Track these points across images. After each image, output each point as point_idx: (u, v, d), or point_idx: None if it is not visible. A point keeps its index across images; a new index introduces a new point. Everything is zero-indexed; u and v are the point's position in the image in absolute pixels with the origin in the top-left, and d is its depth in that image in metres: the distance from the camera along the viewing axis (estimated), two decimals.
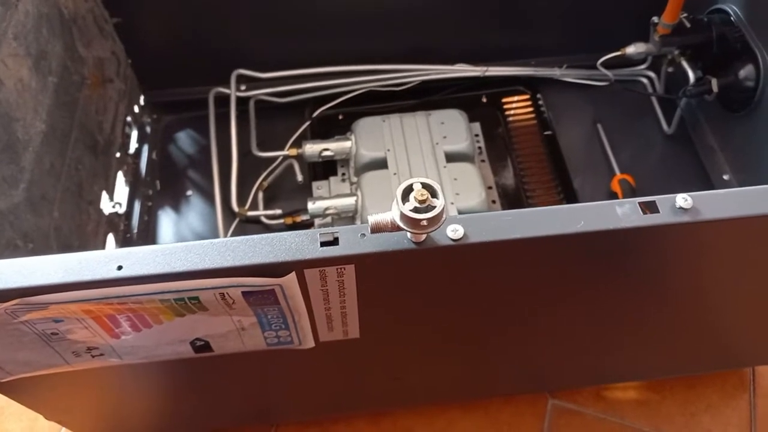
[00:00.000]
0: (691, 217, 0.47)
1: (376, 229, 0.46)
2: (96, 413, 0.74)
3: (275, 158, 1.03)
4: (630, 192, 0.99)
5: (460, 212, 0.89)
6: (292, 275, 0.47)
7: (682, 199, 0.48)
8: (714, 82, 0.94)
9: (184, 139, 1.11)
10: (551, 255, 0.52)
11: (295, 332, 0.55)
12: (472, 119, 1.04)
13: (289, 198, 1.02)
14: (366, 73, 1.07)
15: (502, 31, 1.09)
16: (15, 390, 0.61)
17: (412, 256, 0.47)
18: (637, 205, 0.48)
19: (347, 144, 0.98)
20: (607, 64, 1.04)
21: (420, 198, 0.43)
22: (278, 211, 1.00)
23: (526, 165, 1.05)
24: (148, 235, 1.00)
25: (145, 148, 1.06)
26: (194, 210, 1.03)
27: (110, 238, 0.91)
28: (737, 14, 0.91)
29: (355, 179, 0.97)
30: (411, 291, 0.55)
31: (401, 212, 0.44)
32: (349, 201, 0.93)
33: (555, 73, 1.11)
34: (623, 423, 0.84)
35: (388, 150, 0.96)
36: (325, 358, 0.63)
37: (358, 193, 0.93)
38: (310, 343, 0.58)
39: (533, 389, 0.86)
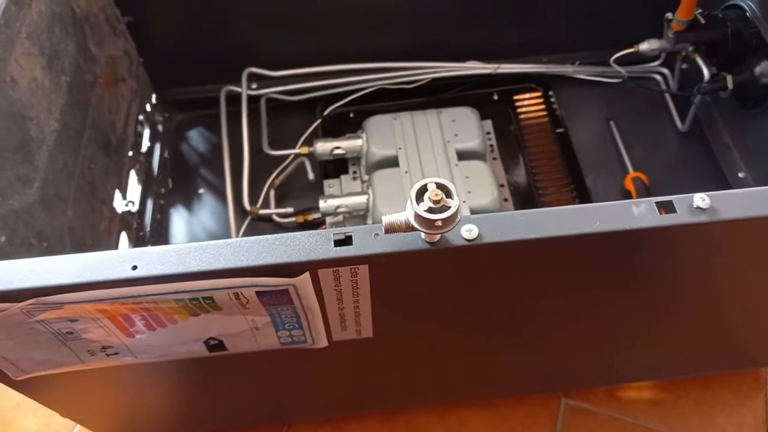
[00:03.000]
0: (708, 217, 0.47)
1: (390, 229, 0.45)
2: (110, 411, 0.75)
3: (286, 156, 1.03)
4: (643, 190, 0.98)
5: (472, 211, 0.88)
6: (306, 275, 0.47)
7: (700, 199, 0.47)
8: (729, 79, 0.93)
9: (196, 137, 1.11)
10: (566, 255, 0.52)
11: (308, 332, 0.55)
12: (483, 117, 1.03)
13: (300, 196, 1.02)
14: (377, 71, 1.06)
15: (513, 27, 1.08)
16: (31, 388, 0.62)
17: (426, 256, 0.47)
18: (654, 205, 0.48)
19: (358, 142, 0.98)
20: (620, 61, 1.03)
21: (434, 198, 0.43)
22: (290, 210, 1.00)
23: (539, 163, 1.05)
24: (160, 233, 1.00)
25: (158, 147, 1.06)
26: (206, 208, 1.03)
27: (123, 237, 0.91)
28: (753, 10, 0.90)
29: (366, 177, 0.97)
30: (425, 291, 0.55)
31: (415, 212, 0.44)
32: (361, 199, 0.93)
33: (567, 70, 1.10)
34: (637, 423, 0.84)
35: (400, 148, 0.95)
36: (339, 358, 0.63)
37: (370, 191, 0.92)
38: (324, 343, 0.58)
39: (547, 389, 0.86)
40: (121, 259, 0.46)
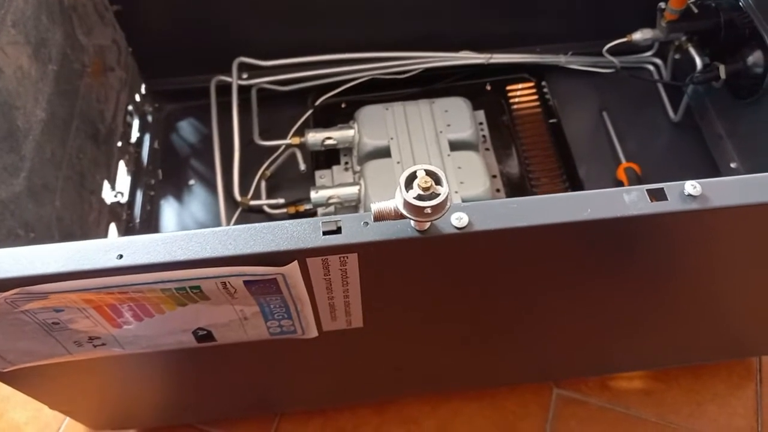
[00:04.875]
0: (699, 204, 0.47)
1: (379, 217, 0.45)
2: (99, 403, 0.74)
3: (278, 147, 1.03)
4: (636, 180, 0.98)
5: (464, 201, 0.88)
6: (295, 264, 0.47)
7: (691, 186, 0.47)
8: (722, 69, 0.93)
9: (186, 128, 1.10)
10: (557, 243, 0.52)
11: (298, 322, 0.55)
12: (476, 107, 1.03)
13: (291, 187, 1.01)
14: (369, 61, 1.06)
15: (506, 17, 1.07)
16: (18, 380, 0.61)
17: (416, 244, 0.46)
18: (645, 192, 0.47)
19: (350, 132, 0.97)
20: (613, 51, 1.03)
21: (424, 185, 0.43)
22: (281, 201, 0.99)
23: (531, 153, 1.04)
24: (150, 224, 0.99)
25: (147, 137, 1.05)
26: (197, 199, 1.02)
27: (112, 228, 0.90)
28: None
29: (358, 168, 0.96)
30: (415, 279, 0.54)
31: (405, 200, 0.43)
32: (352, 190, 0.92)
33: (560, 60, 1.09)
34: (628, 413, 0.84)
35: (392, 138, 0.95)
36: (329, 348, 0.62)
37: (361, 182, 0.92)
38: (314, 333, 0.57)
39: (538, 378, 0.86)
40: (106, 248, 0.45)
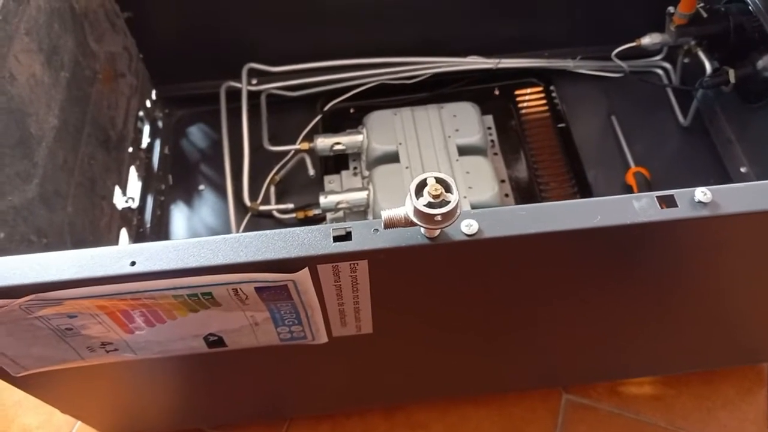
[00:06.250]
0: (710, 211, 0.47)
1: (390, 224, 0.45)
2: (111, 407, 0.75)
3: (287, 152, 1.03)
4: (645, 185, 0.98)
5: (472, 206, 0.88)
6: (305, 271, 0.47)
7: (701, 193, 0.47)
8: (731, 73, 0.92)
9: (196, 133, 1.11)
10: (566, 250, 0.52)
11: (308, 327, 0.55)
12: (484, 112, 1.03)
13: (300, 192, 1.02)
14: (377, 66, 1.06)
15: (514, 22, 1.07)
16: (31, 384, 0.62)
17: (426, 251, 0.47)
18: (655, 199, 0.47)
19: (359, 138, 0.98)
20: (621, 56, 1.02)
21: (434, 193, 0.43)
22: (290, 206, 1.00)
23: (540, 158, 1.04)
24: (161, 229, 1.00)
25: (158, 143, 1.06)
26: (206, 204, 1.03)
27: (123, 233, 0.91)
28: (755, 4, 0.89)
29: (366, 173, 0.97)
30: (425, 286, 0.54)
31: (415, 207, 0.43)
32: (361, 195, 0.92)
33: (569, 64, 1.09)
34: (638, 418, 0.84)
35: (400, 143, 0.95)
36: (338, 353, 0.62)
37: (370, 187, 0.92)
38: (323, 339, 0.57)
39: (547, 384, 0.85)
40: (119, 255, 0.46)
